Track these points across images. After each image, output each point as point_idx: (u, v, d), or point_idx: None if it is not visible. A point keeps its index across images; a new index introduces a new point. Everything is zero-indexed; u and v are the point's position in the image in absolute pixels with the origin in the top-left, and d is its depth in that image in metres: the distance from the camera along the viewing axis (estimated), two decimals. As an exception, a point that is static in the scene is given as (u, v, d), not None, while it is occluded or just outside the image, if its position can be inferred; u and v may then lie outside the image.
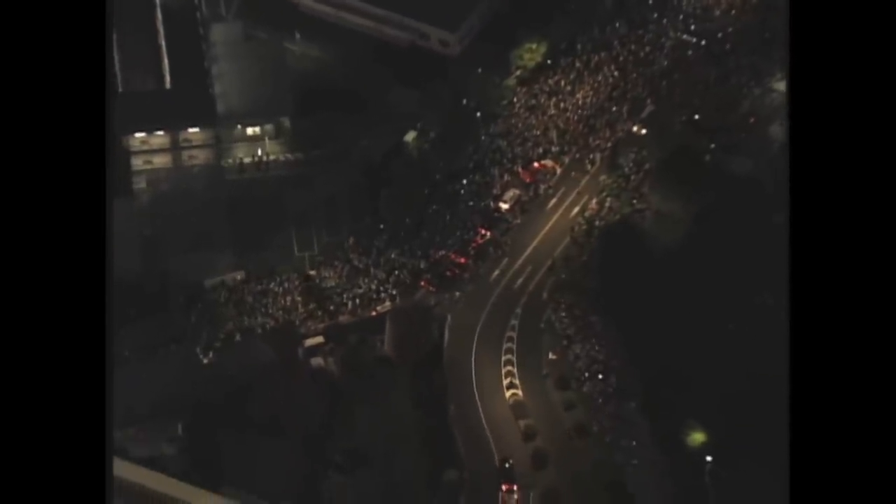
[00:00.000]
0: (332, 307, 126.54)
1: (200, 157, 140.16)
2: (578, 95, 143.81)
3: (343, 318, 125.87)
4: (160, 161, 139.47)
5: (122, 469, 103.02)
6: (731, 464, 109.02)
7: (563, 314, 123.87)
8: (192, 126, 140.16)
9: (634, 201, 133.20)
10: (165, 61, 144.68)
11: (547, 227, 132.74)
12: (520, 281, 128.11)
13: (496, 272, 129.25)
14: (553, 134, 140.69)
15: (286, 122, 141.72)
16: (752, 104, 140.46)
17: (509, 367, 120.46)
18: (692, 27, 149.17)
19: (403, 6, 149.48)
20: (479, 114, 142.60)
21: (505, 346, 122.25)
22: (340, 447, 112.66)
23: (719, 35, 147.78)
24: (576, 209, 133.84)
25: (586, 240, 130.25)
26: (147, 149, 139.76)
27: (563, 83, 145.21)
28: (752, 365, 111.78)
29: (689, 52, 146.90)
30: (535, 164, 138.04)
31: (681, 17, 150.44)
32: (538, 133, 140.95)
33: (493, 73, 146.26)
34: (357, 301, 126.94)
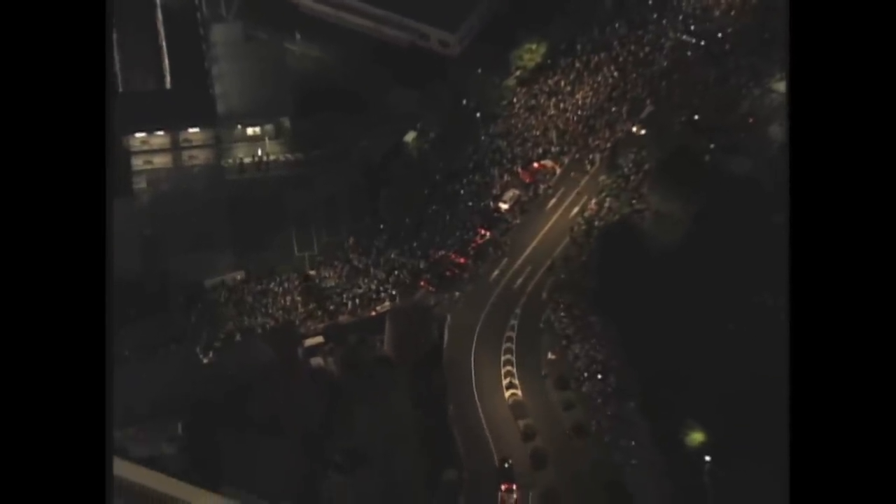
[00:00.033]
0: (331, 307, 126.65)
1: (201, 157, 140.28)
2: (578, 96, 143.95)
3: (343, 318, 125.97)
4: (160, 161, 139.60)
5: (122, 468, 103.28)
6: (730, 464, 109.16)
7: (563, 314, 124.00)
8: (193, 126, 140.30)
9: (634, 201, 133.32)
10: (166, 61, 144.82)
11: (546, 228, 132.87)
12: (519, 281, 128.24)
13: (496, 272, 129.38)
14: (553, 134, 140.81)
15: (286, 122, 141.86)
16: (752, 105, 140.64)
17: (508, 367, 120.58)
18: (692, 28, 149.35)
19: (403, 7, 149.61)
20: (478, 114, 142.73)
21: (504, 346, 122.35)
22: (340, 447, 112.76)
23: (719, 36, 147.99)
24: (575, 209, 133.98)
25: (585, 240, 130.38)
26: (147, 149, 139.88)
27: (562, 84, 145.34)
28: (751, 365, 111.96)
29: (689, 53, 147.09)
30: (535, 165, 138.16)
31: (680, 17, 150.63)
32: (538, 133, 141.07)
33: (493, 73, 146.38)
34: (357, 301, 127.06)
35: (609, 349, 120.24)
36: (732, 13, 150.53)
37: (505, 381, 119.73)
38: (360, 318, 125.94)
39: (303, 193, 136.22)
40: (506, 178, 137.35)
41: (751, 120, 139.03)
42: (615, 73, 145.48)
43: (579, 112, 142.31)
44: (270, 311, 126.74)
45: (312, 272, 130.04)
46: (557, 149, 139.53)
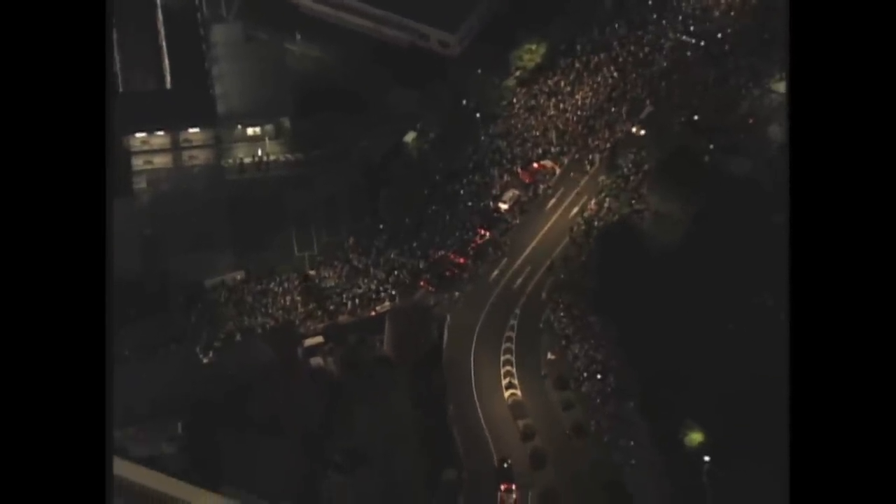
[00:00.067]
0: (331, 307, 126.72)
1: (201, 157, 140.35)
2: (578, 96, 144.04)
3: (342, 318, 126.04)
4: (161, 161, 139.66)
5: (122, 468, 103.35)
6: (729, 464, 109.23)
7: (562, 314, 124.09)
8: (193, 126, 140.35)
9: (633, 202, 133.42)
10: (166, 62, 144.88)
11: (546, 228, 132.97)
12: (519, 281, 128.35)
13: (495, 272, 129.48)
14: (552, 134, 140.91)
15: (286, 122, 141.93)
16: (751, 105, 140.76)
17: (508, 367, 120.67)
18: (691, 28, 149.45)
19: (403, 7, 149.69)
20: (478, 114, 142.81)
21: (504, 346, 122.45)
22: (340, 447, 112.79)
23: (718, 36, 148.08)
24: (575, 209, 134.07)
25: (585, 240, 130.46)
26: (148, 149, 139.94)
27: (562, 84, 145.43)
28: (751, 365, 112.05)
29: (688, 54, 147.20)
30: (535, 165, 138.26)
31: (680, 18, 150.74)
32: (537, 134, 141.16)
33: (493, 73, 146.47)
34: (356, 301, 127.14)
35: (608, 349, 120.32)
36: (732, 14, 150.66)
37: (504, 381, 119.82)
38: (359, 318, 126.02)
39: (303, 193, 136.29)
40: (505, 178, 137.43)
41: (750, 120, 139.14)
42: (615, 74, 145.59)
43: (579, 112, 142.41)
44: (270, 311, 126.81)
45: (312, 272, 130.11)
46: (557, 149, 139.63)
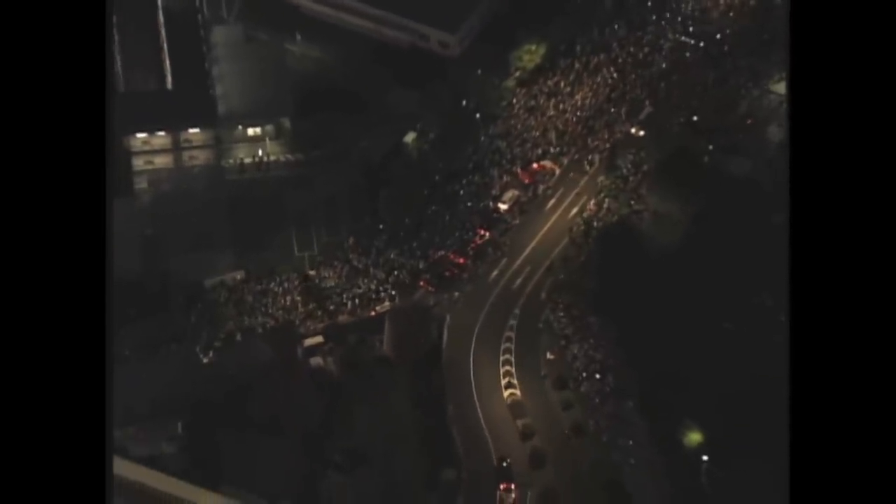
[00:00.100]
0: (331, 307, 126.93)
1: (201, 157, 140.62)
2: (577, 97, 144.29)
3: (342, 318, 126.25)
4: (161, 161, 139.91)
5: (122, 468, 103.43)
6: (728, 464, 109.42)
7: (562, 314, 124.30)
8: (193, 126, 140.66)
9: (633, 202, 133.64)
10: (167, 62, 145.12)
11: (545, 228, 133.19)
12: (518, 281, 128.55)
13: (495, 272, 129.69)
14: (552, 135, 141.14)
15: (286, 122, 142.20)
16: (750, 106, 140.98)
17: (507, 367, 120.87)
18: (690, 29, 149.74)
19: (403, 8, 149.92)
20: (478, 115, 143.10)
21: (503, 346, 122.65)
22: (339, 446, 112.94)
23: (717, 37, 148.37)
24: (574, 210, 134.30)
25: (584, 240, 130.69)
26: (148, 149, 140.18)
27: (562, 84, 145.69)
28: (750, 365, 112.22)
29: (688, 54, 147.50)
30: (534, 165, 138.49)
31: (679, 19, 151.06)
32: (537, 134, 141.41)
33: (493, 74, 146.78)
34: (356, 301, 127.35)
35: (608, 349, 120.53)
36: (731, 15, 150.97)
37: (504, 381, 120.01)
38: (359, 318, 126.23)
39: (303, 193, 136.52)
40: (505, 178, 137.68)
41: (749, 121, 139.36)
42: (614, 75, 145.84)
43: (578, 113, 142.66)
44: (270, 310, 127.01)
45: (312, 272, 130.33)
46: (557, 149, 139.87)
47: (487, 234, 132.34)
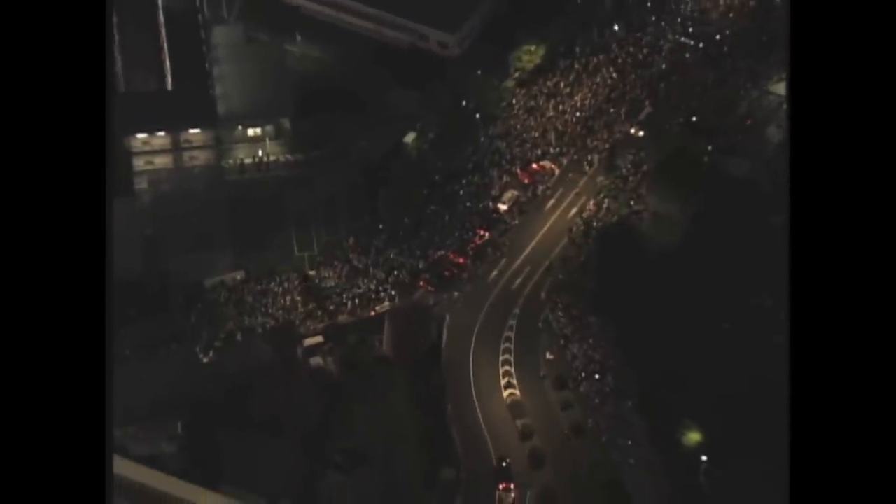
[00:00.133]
0: (331, 307, 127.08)
1: (201, 157, 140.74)
2: (577, 97, 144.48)
3: (342, 318, 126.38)
4: (161, 161, 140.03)
5: (122, 467, 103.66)
6: (726, 463, 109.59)
7: (561, 314, 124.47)
8: (194, 127, 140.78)
9: (632, 202, 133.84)
10: (167, 63, 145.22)
11: (545, 228, 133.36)
12: (518, 281, 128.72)
13: (494, 272, 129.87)
14: (551, 135, 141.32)
15: (286, 123, 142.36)
16: (749, 106, 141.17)
17: (507, 367, 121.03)
18: (690, 30, 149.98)
19: (403, 8, 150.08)
20: (478, 115, 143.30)
21: (503, 346, 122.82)
22: (339, 446, 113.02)
23: (717, 38, 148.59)
24: (573, 210, 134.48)
25: (584, 241, 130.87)
26: (148, 149, 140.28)
27: (561, 85, 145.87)
28: (748, 366, 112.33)
29: (687, 55, 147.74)
30: (534, 166, 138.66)
31: (679, 19, 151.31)
32: (537, 134, 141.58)
33: (493, 74, 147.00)
34: (356, 301, 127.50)
35: (607, 349, 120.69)
36: (730, 16, 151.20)
37: (503, 381, 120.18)
38: (359, 317, 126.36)
39: (303, 194, 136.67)
40: (505, 178, 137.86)
41: (749, 122, 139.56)
42: (614, 75, 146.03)
43: (578, 113, 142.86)
44: (270, 310, 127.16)
45: (312, 272, 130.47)
46: (556, 150, 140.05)
47: (487, 234, 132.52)
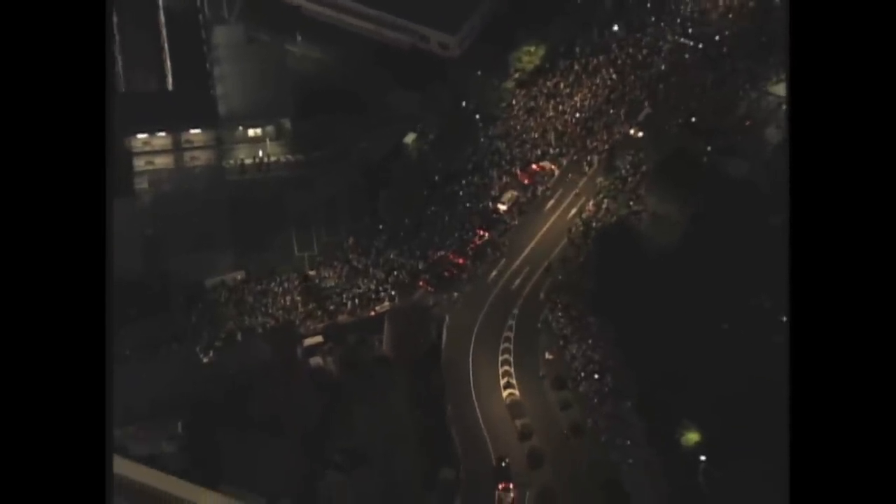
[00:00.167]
0: (331, 307, 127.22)
1: (202, 158, 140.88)
2: (576, 98, 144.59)
3: (342, 318, 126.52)
4: (162, 162, 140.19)
5: (122, 467, 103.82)
6: (725, 463, 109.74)
7: (560, 315, 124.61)
8: (194, 127, 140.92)
9: (631, 203, 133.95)
10: (168, 63, 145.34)
11: (544, 229, 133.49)
12: (517, 282, 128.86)
13: (494, 273, 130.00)
14: (551, 136, 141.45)
15: (287, 123, 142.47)
16: (749, 107, 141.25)
17: (506, 367, 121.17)
18: (689, 31, 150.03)
19: (404, 9, 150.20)
20: (478, 116, 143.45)
21: (502, 346, 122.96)
22: (339, 446, 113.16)
23: (716, 39, 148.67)
24: (573, 211, 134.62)
25: (583, 241, 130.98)
26: (149, 150, 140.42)
27: (561, 86, 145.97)
28: (747, 366, 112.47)
29: (687, 56, 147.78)
30: (534, 166, 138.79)
31: (678, 20, 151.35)
32: (536, 135, 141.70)
33: (493, 75, 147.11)
34: (356, 301, 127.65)
35: (606, 349, 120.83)
36: (730, 17, 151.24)
37: (503, 381, 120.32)
38: (359, 318, 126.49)
39: (303, 194, 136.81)
40: (504, 179, 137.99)
41: (748, 122, 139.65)
42: (613, 76, 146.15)
43: (577, 114, 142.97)
44: (270, 310, 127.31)
45: (312, 272, 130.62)
46: (556, 150, 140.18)
47: (486, 234, 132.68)
